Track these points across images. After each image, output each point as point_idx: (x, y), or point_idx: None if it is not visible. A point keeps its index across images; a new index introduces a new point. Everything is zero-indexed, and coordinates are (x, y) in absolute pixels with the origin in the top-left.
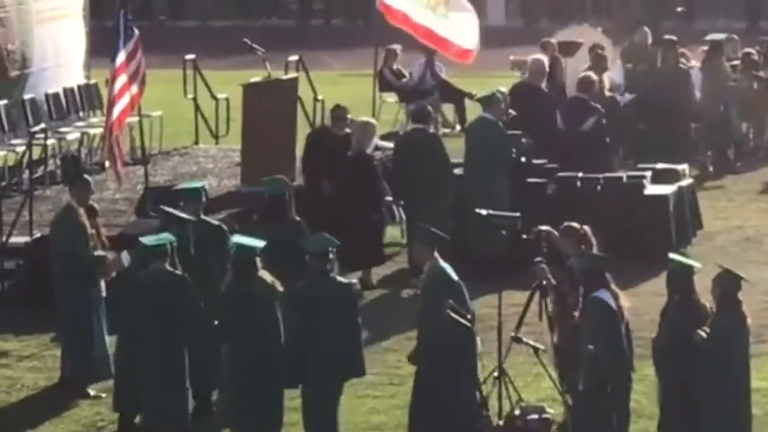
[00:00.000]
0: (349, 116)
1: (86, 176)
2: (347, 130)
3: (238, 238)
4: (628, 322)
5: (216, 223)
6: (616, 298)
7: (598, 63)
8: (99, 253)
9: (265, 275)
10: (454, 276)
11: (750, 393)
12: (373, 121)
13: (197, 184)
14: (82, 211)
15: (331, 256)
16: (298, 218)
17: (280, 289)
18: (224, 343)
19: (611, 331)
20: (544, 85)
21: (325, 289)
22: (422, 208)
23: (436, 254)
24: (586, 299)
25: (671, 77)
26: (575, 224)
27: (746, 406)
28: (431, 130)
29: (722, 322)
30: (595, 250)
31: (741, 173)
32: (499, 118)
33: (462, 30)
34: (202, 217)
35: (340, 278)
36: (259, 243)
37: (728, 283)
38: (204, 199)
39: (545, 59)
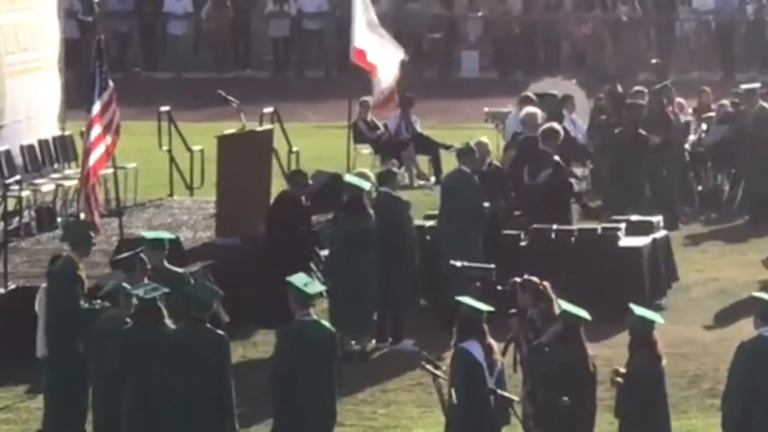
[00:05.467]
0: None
1: (90, 233)
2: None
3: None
4: (502, 375)
5: (180, 271)
6: (488, 350)
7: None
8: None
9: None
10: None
11: None
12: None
13: (162, 234)
14: (81, 265)
15: (214, 306)
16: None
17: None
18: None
19: (472, 383)
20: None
21: (196, 338)
22: (388, 272)
23: None
24: (455, 349)
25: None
26: (534, 278)
27: None
28: (395, 193)
29: (638, 364)
30: (555, 307)
31: (716, 224)
32: (474, 170)
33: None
34: (166, 265)
35: (213, 328)
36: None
37: (640, 325)
38: (166, 249)
39: (538, 111)
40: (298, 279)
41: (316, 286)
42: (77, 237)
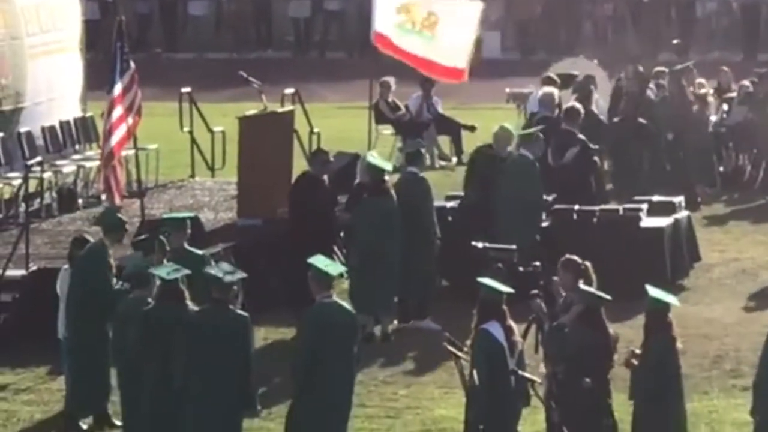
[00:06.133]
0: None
1: (125, 222)
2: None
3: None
4: (522, 357)
5: (200, 252)
6: (508, 332)
7: (586, 95)
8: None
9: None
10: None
11: (685, 415)
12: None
13: (182, 214)
14: (112, 251)
15: (235, 287)
16: (394, 194)
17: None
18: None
19: (494, 364)
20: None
21: (219, 319)
22: (410, 253)
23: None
24: (476, 330)
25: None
26: (576, 258)
27: (681, 428)
28: (420, 173)
29: (653, 346)
30: (594, 287)
31: (737, 205)
32: (537, 157)
33: (451, 48)
34: (186, 246)
35: (237, 310)
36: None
37: (655, 306)
38: (187, 229)
39: (555, 91)
40: (319, 260)
41: (337, 267)
42: (111, 223)
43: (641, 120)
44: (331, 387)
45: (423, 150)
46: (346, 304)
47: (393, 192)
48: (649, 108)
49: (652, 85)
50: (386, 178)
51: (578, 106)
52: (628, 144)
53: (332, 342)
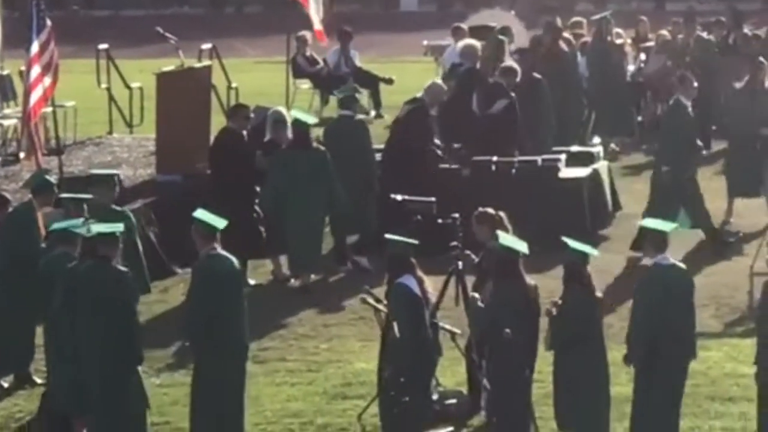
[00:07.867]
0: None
1: (52, 180)
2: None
3: None
4: (434, 308)
5: (120, 209)
6: (421, 283)
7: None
8: None
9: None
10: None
11: (607, 367)
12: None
13: (109, 171)
14: (40, 214)
15: (120, 244)
16: (322, 147)
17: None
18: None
19: (414, 317)
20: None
21: (102, 276)
22: (353, 195)
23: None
24: (390, 285)
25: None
26: (490, 210)
27: (602, 379)
28: (357, 116)
29: (570, 297)
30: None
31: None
32: (690, 100)
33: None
34: (112, 206)
35: (120, 267)
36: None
37: (573, 258)
38: (117, 186)
39: (477, 43)
40: (203, 214)
41: (221, 221)
42: (40, 185)
43: (536, 75)
44: (227, 338)
45: (358, 95)
46: (230, 255)
47: (316, 145)
48: (562, 60)
49: (568, 35)
50: (310, 131)
51: (515, 66)
52: (526, 100)
53: (222, 293)
